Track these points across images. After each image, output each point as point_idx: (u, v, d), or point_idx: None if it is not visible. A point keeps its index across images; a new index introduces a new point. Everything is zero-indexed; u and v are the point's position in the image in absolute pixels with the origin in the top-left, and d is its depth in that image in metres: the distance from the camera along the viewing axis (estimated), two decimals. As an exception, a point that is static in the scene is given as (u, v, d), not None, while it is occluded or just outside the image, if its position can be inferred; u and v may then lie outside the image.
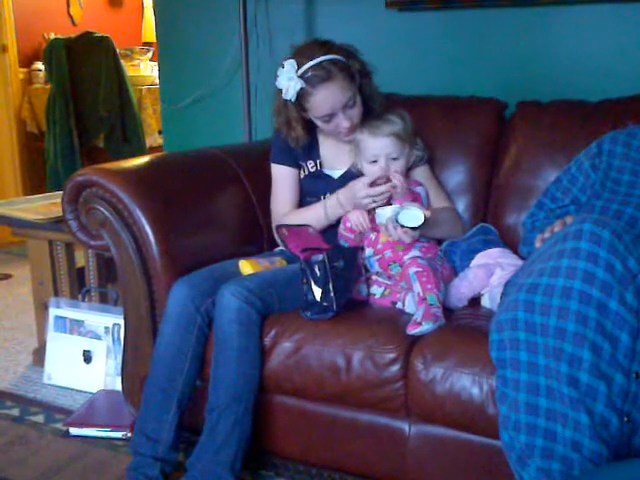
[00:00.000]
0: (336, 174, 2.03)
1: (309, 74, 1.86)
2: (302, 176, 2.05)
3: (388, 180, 1.86)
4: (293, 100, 1.89)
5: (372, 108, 1.99)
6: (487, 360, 1.42)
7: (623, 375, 1.23)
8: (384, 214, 1.78)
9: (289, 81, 1.87)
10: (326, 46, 1.91)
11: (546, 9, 2.27)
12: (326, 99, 1.88)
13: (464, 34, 2.40)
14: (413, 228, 1.74)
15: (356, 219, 1.86)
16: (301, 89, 1.87)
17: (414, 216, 1.75)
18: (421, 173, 2.02)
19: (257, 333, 1.70)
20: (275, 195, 2.08)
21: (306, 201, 2.05)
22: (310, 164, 2.05)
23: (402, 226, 1.75)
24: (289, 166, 2.05)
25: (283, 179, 2.06)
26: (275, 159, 2.07)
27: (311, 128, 2.00)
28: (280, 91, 1.90)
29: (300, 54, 1.90)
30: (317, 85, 1.86)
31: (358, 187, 1.87)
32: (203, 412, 1.71)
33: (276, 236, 2.05)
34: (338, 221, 1.95)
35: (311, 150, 2.05)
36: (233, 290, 1.68)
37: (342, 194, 1.92)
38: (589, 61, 2.25)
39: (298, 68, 1.86)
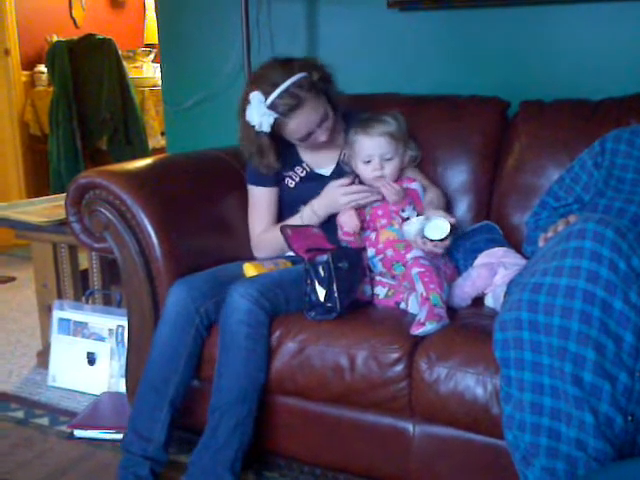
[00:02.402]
0: (327, 172, 2.03)
1: (279, 104, 1.84)
2: (292, 185, 2.03)
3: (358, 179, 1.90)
4: (268, 131, 1.88)
5: (338, 110, 2.00)
6: (491, 360, 1.42)
7: (627, 374, 1.23)
8: (410, 230, 1.77)
9: (261, 116, 1.84)
10: (286, 68, 1.87)
11: (549, 8, 2.27)
12: (301, 124, 1.88)
13: (466, 33, 2.39)
14: (441, 239, 1.73)
15: (348, 221, 1.86)
16: (274, 120, 1.85)
17: (440, 227, 1.73)
18: (412, 173, 2.02)
19: (266, 335, 1.70)
20: (251, 214, 2.06)
21: (301, 208, 2.03)
22: (298, 170, 2.04)
23: (431, 240, 1.74)
24: (265, 186, 2.04)
25: (258, 199, 2.05)
26: (251, 180, 2.06)
27: (288, 141, 1.98)
28: (248, 123, 1.88)
29: (262, 82, 1.87)
30: (289, 114, 1.85)
31: (334, 190, 1.89)
32: (201, 411, 1.71)
33: (254, 252, 2.05)
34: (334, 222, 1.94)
35: (293, 160, 2.04)
36: (242, 292, 1.68)
37: (316, 202, 1.94)
38: (592, 60, 2.24)
39: (265, 99, 1.84)
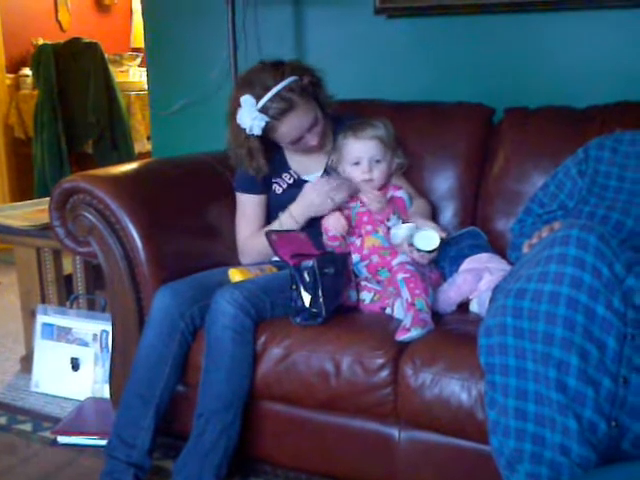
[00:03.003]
0: (314, 178, 2.02)
1: (270, 107, 1.84)
2: (280, 192, 2.03)
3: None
4: (259, 134, 1.88)
5: (328, 114, 2.00)
6: (476, 365, 1.42)
7: (611, 380, 1.23)
8: (398, 234, 1.76)
9: (253, 120, 1.84)
10: (277, 71, 1.87)
11: (533, 16, 2.29)
12: (293, 127, 1.88)
13: (452, 41, 2.41)
14: (429, 251, 1.73)
15: (334, 223, 1.86)
16: (266, 123, 1.85)
17: (430, 238, 1.72)
18: (398, 182, 2.02)
19: (251, 340, 1.70)
20: (239, 220, 2.07)
21: (280, 214, 2.02)
22: (286, 177, 2.03)
23: (418, 250, 1.73)
24: (253, 194, 2.04)
25: (246, 206, 2.05)
26: (239, 188, 2.06)
27: (277, 147, 1.99)
28: (238, 126, 1.87)
29: (253, 85, 1.86)
30: (280, 117, 1.85)
31: (308, 193, 1.89)
32: (187, 417, 1.70)
33: (240, 258, 2.05)
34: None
35: (281, 167, 2.04)
36: (228, 297, 1.68)
37: (293, 207, 1.94)
38: (576, 67, 2.26)
39: (257, 102, 1.84)
